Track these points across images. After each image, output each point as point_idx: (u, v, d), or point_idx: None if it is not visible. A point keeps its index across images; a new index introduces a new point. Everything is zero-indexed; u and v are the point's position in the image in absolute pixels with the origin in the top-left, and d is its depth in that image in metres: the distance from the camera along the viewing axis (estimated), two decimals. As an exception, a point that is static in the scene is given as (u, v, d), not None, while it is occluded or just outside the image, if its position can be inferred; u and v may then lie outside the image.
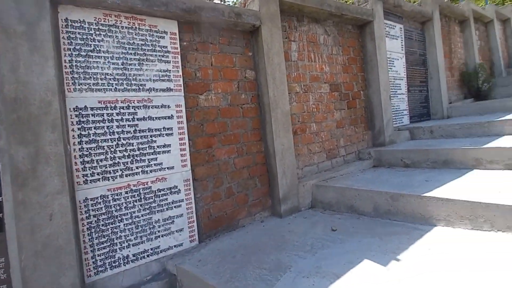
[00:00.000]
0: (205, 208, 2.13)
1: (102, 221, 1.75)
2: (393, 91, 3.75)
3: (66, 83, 1.66)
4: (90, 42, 1.74)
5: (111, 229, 1.77)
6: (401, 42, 4.00)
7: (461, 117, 4.09)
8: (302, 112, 2.82)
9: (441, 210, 1.87)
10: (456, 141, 3.01)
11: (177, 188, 2.00)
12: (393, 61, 3.81)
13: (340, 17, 3.13)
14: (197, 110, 2.15)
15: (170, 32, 2.05)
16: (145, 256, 1.86)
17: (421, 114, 4.21)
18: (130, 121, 1.85)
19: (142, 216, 1.87)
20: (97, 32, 1.77)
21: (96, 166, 1.73)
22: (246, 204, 2.35)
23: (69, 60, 1.68)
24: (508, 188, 1.88)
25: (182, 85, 2.07)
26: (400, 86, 3.89)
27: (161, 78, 1.98)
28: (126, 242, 1.80)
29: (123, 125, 1.82)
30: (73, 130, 1.67)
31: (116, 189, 1.79)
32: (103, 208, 1.75)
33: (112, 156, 1.78)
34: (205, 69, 2.22)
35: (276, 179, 2.41)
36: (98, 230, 1.73)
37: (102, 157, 1.76)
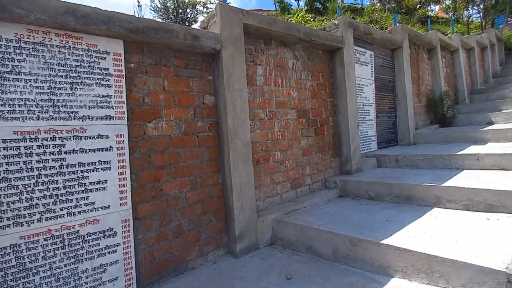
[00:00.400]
0: (148, 251, 1.86)
1: (11, 275, 1.43)
2: (362, 117, 3.69)
3: (-30, 110, 1.36)
4: (6, 62, 1.45)
5: (22, 285, 1.46)
6: (371, 69, 3.98)
7: (426, 144, 4.11)
8: (266, 140, 2.64)
9: (398, 260, 1.73)
10: (419, 173, 2.96)
11: (112, 230, 1.72)
12: (362, 87, 3.77)
13: (309, 42, 3.03)
14: (144, 140, 1.90)
15: (114, 53, 1.80)
16: (66, 314, 1.56)
17: (389, 140, 4.19)
18: (55, 154, 1.56)
19: (65, 266, 1.57)
20: (18, 51, 1.48)
21: (6, 209, 1.43)
22: (198, 242, 2.10)
23: (-24, 83, 1.38)
24: (465, 236, 1.79)
25: (126, 112, 1.82)
26: (369, 112, 3.85)
27: (99, 105, 1.72)
28: (41, 299, 1.49)
29: (45, 160, 1.53)
30: (-25, 167, 1.37)
31: (32, 236, 1.49)
32: (13, 260, 1.44)
33: (28, 196, 1.48)
34: (156, 94, 1.99)
35: (232, 215, 2.19)
36: (5, 287, 1.41)
37: (15, 198, 1.45)
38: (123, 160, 1.77)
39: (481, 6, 12.98)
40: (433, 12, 19.61)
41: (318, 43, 3.07)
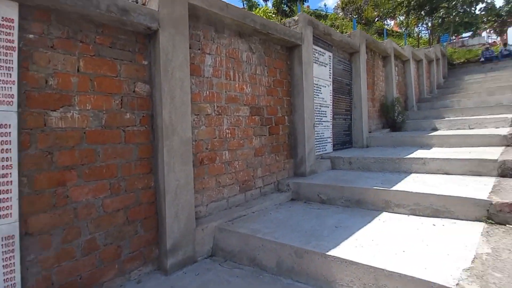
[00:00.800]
0: (43, 275, 1.43)
1: None
2: (318, 118, 3.56)
3: None
4: None
5: None
6: (330, 70, 3.88)
7: (378, 147, 4.14)
8: (213, 137, 2.33)
9: (345, 274, 1.55)
10: (370, 176, 2.89)
11: (-14, 251, 1.27)
12: (320, 88, 3.64)
13: (266, 35, 2.78)
14: (44, 133, 1.47)
15: (2, 18, 1.34)
16: None
17: (344, 142, 4.14)
18: None
19: None
20: None
21: None
22: (118, 259, 1.71)
23: None
24: (412, 244, 1.67)
25: (16, 95, 1.37)
26: (325, 114, 3.74)
27: (-30, 83, 1.25)
28: None
29: None
30: None
31: None
32: None
33: None
34: (66, 76, 1.56)
35: (165, 224, 1.84)
36: None
37: None
38: (7, 158, 1.33)
39: (429, 24, 14.11)
40: (389, 26, 21.01)
41: (276, 37, 2.84)
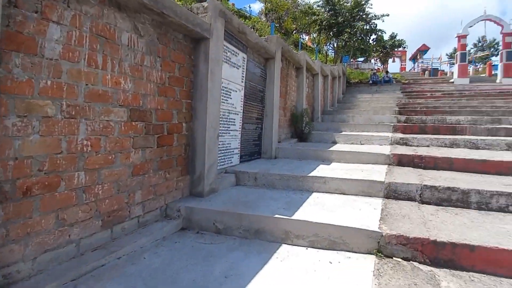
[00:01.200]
0: None
1: None
2: (225, 127, 3.10)
3: None
4: None
5: None
6: (243, 74, 3.49)
7: (285, 159, 4.03)
8: (56, 153, 1.52)
9: None
10: (274, 196, 2.62)
11: None
12: (230, 92, 3.19)
13: (161, 17, 2.10)
14: None
15: None
16: None
17: (252, 153, 3.84)
18: None
19: None
20: None
21: None
22: None
23: None
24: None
25: None
26: (234, 122, 3.32)
27: None
28: None
29: None
30: None
31: None
32: None
33: None
34: None
35: None
36: None
37: None
38: None
39: (335, 45, 15.94)
40: (304, 40, 22.92)
41: (175, 22, 2.19)
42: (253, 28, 11.07)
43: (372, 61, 22.26)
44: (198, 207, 2.26)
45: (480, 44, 27.83)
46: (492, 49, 25.13)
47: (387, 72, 14.78)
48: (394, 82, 13.52)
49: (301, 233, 2.03)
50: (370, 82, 13.27)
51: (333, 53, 17.32)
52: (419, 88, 11.66)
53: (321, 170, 3.18)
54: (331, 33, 14.63)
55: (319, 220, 2.04)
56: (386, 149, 4.03)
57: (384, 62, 20.83)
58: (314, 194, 2.73)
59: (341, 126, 6.16)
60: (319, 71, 7.11)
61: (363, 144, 4.83)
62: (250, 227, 2.11)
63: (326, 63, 12.90)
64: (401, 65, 27.66)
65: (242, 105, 3.50)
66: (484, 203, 2.47)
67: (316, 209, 2.30)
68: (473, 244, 1.76)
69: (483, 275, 1.72)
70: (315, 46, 16.78)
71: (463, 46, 14.07)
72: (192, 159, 2.59)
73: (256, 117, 3.91)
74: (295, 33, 19.94)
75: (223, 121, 3.03)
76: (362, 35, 13.91)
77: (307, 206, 2.38)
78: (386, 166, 3.52)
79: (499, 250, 1.72)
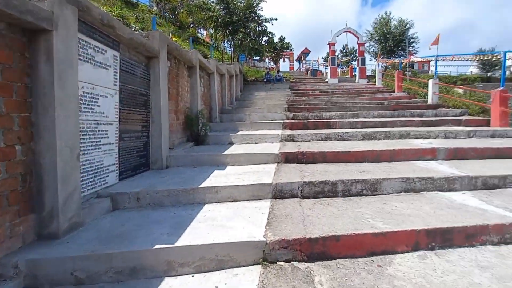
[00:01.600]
0: None
1: None
2: (93, 142, 2.52)
3: None
4: None
5: None
6: (115, 75, 2.93)
7: (178, 168, 3.72)
8: None
9: None
10: (160, 217, 2.32)
11: None
12: (97, 99, 2.60)
13: None
14: None
15: None
16: None
17: (137, 166, 3.35)
18: None
19: None
20: None
21: None
22: None
23: None
24: None
25: None
26: (107, 134, 2.76)
27: None
28: None
29: None
30: None
31: None
32: None
33: None
34: None
35: None
36: None
37: None
38: None
39: (232, 43, 16.26)
40: (202, 35, 22.38)
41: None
42: (143, 19, 9.82)
43: (267, 60, 24.13)
44: (47, 257, 1.71)
45: (344, 50, 34.73)
46: (352, 55, 31.82)
47: (278, 71, 16.31)
48: (285, 80, 15.06)
49: (186, 259, 1.84)
50: (265, 80, 14.29)
51: (230, 51, 17.65)
52: (303, 86, 13.38)
53: (214, 178, 3.08)
54: (227, 31, 14.80)
55: (205, 241, 1.90)
56: (276, 148, 4.33)
57: (276, 62, 22.96)
58: (206, 207, 2.59)
59: (238, 126, 6.29)
60: (214, 70, 7.00)
61: (257, 143, 5.05)
62: (123, 267, 1.76)
63: (223, 61, 12.99)
64: (290, 65, 31.32)
65: (118, 113, 2.95)
66: (347, 190, 2.94)
67: (205, 226, 2.16)
68: (338, 234, 2.01)
69: (346, 259, 1.99)
70: (213, 42, 16.63)
71: (333, 52, 17.05)
72: (39, 191, 1.95)
73: (139, 125, 3.41)
74: (192, 27, 19.17)
75: (89, 135, 2.45)
76: (256, 36, 14.72)
77: (195, 224, 2.20)
78: (275, 165, 3.75)
79: (355, 235, 2.02)
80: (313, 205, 2.64)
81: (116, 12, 5.84)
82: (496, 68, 20.53)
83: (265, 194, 2.83)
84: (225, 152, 4.00)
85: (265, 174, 3.22)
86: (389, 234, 2.01)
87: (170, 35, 11.27)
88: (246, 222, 2.20)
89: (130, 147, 3.18)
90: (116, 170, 2.90)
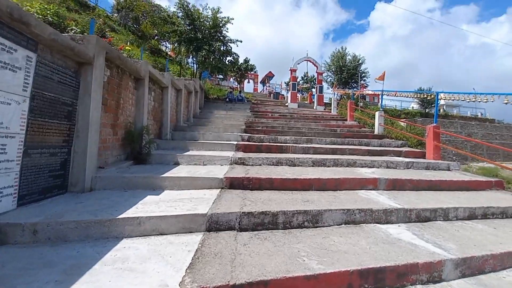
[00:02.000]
0: None
1: None
2: (-24, 158, 2.01)
3: None
4: None
5: None
6: (26, 79, 2.47)
7: (104, 191, 3.23)
8: None
9: None
10: (53, 259, 1.86)
11: None
12: (-9, 105, 2.12)
13: None
14: None
15: None
16: None
17: (49, 188, 2.80)
18: None
19: None
20: None
21: None
22: None
23: None
24: None
25: None
26: (4, 149, 2.25)
27: None
28: None
29: None
30: None
31: None
32: None
33: None
34: None
35: None
36: None
37: None
38: None
39: (196, 59, 16.12)
40: (168, 48, 21.90)
41: None
42: (105, 24, 9.15)
43: (232, 79, 24.39)
44: None
45: (305, 77, 37.03)
46: (312, 83, 34.00)
47: (240, 91, 16.46)
48: (246, 101, 15.20)
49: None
50: (227, 99, 14.24)
51: (195, 67, 17.42)
52: (264, 108, 13.61)
53: (142, 206, 2.69)
54: (191, 47, 14.66)
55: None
56: (223, 171, 4.08)
57: (240, 82, 23.33)
58: (122, 243, 2.19)
59: (189, 145, 5.94)
60: (169, 84, 6.66)
61: (205, 165, 4.75)
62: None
63: (183, 76, 12.67)
64: (255, 86, 32.14)
65: (25, 124, 2.46)
66: (288, 222, 2.78)
67: (110, 270, 1.76)
68: (267, 279, 1.79)
69: (275, 306, 1.78)
70: (176, 56, 16.30)
71: (294, 78, 17.91)
72: None
73: (58, 139, 2.91)
74: (156, 39, 18.66)
75: (-31, 150, 1.94)
76: (220, 55, 14.81)
77: (99, 267, 1.80)
78: (219, 190, 3.49)
79: (285, 279, 1.82)
80: (250, 240, 2.42)
81: (52, 11, 5.26)
82: (432, 105, 23.62)
83: (198, 226, 2.53)
84: (165, 175, 3.62)
85: (203, 202, 2.93)
86: (321, 276, 1.86)
87: (128, 43, 10.68)
88: (164, 264, 1.86)
89: (40, 165, 2.65)
90: (14, 193, 2.35)
